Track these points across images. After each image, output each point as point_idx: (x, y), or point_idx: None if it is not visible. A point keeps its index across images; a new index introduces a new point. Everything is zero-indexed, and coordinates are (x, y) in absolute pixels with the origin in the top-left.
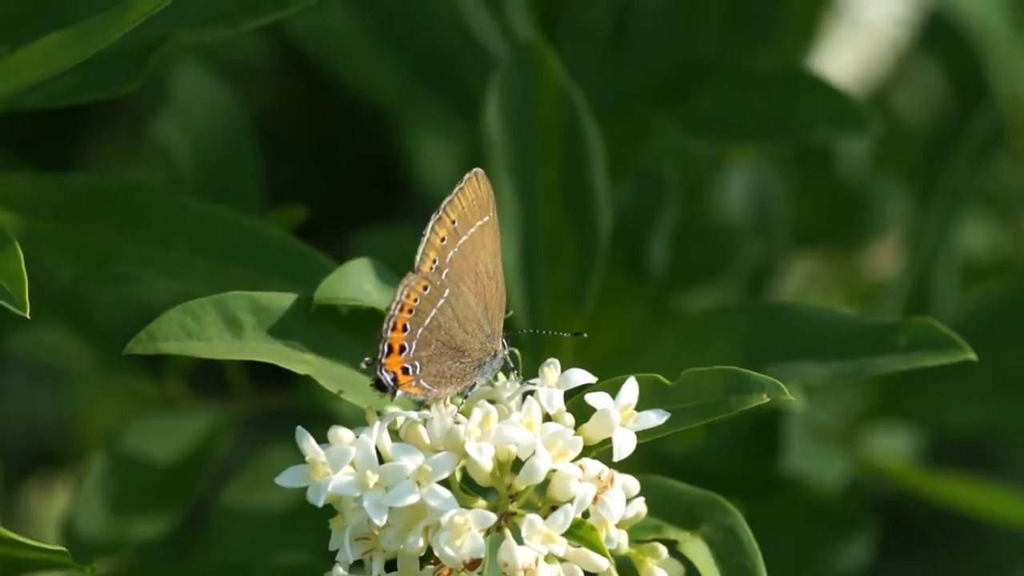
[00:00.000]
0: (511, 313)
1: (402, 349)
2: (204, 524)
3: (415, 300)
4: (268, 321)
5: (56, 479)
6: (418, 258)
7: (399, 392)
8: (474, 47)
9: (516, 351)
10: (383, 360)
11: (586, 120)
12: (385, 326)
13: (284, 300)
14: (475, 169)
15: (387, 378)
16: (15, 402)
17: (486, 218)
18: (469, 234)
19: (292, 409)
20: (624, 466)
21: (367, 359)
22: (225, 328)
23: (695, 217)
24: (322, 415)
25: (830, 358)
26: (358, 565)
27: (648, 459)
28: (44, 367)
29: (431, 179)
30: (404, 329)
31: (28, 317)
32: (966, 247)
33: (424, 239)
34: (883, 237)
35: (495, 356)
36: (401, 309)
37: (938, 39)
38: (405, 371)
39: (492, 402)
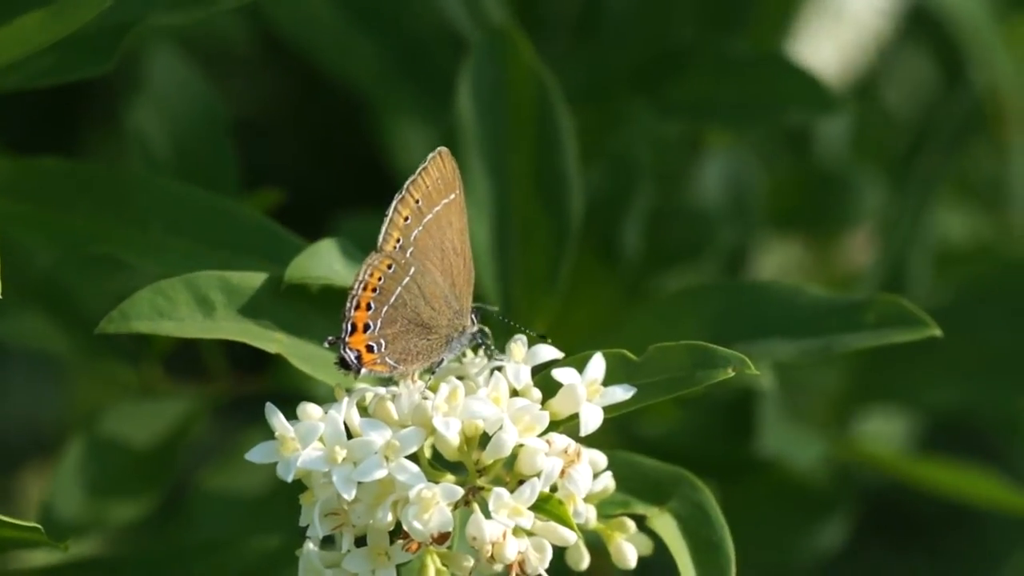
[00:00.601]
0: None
1: (366, 327)
2: (182, 506)
3: (379, 279)
4: (239, 300)
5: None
6: (380, 237)
7: (363, 370)
8: (451, 36)
9: (486, 328)
10: (347, 339)
11: (558, 104)
12: (348, 305)
13: (255, 279)
14: (439, 148)
15: (351, 356)
16: (16, 397)
17: (452, 196)
18: (434, 212)
19: (270, 392)
20: (599, 445)
21: (330, 338)
22: (196, 307)
23: (671, 201)
24: (298, 396)
25: (799, 335)
26: (330, 541)
27: (624, 439)
28: (43, 362)
29: (410, 165)
30: (368, 308)
31: (0, 298)
32: (947, 235)
33: (387, 219)
34: (861, 224)
35: (463, 332)
36: (364, 288)
37: (924, 30)
38: (370, 349)
39: (461, 378)
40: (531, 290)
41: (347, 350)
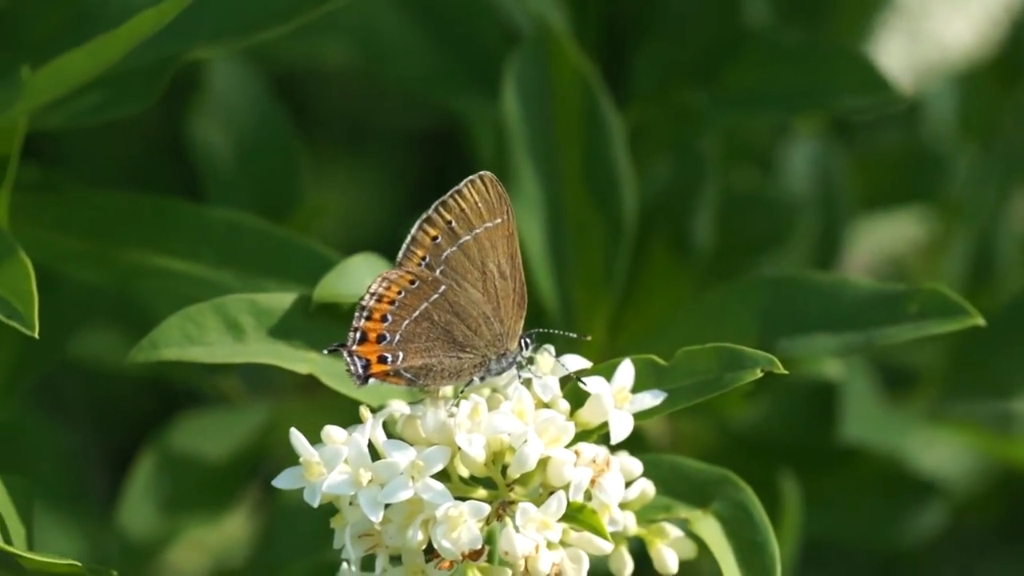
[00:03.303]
0: None
1: (381, 338)
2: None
3: (398, 292)
4: (268, 322)
5: None
6: (401, 254)
7: (371, 380)
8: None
9: (550, 347)
10: (354, 347)
11: (604, 102)
12: (357, 315)
13: (284, 300)
14: (481, 172)
15: (358, 365)
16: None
17: (497, 220)
18: (473, 235)
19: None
20: (693, 440)
21: (333, 345)
22: (226, 331)
23: (756, 190)
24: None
25: (841, 329)
26: (370, 562)
27: (718, 434)
28: None
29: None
30: (384, 319)
31: (36, 336)
32: None
33: (409, 236)
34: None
35: (504, 355)
36: (379, 300)
37: None
38: (382, 360)
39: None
40: (588, 290)
41: (354, 358)
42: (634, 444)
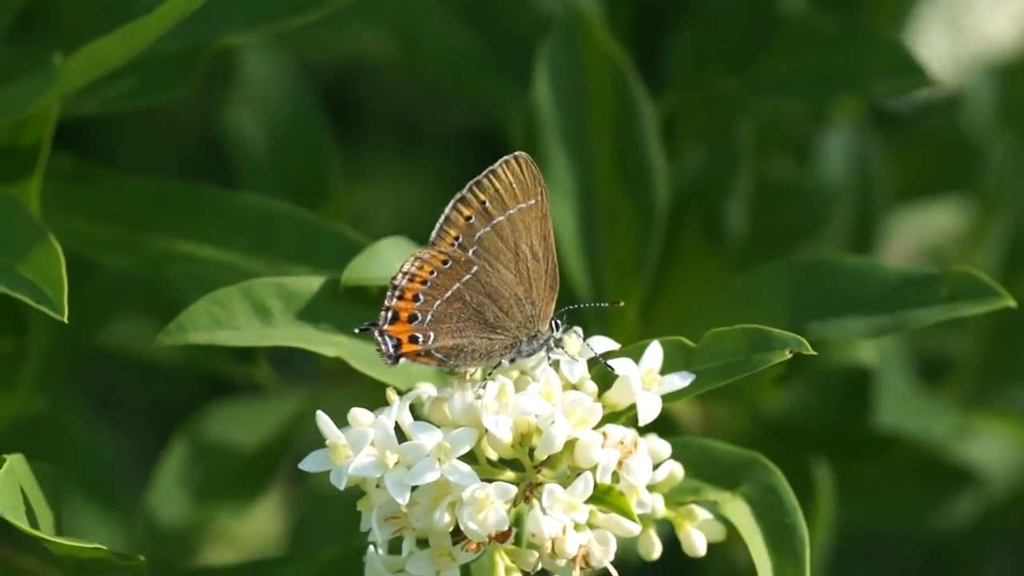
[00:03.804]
0: None
1: (412, 318)
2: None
3: (430, 272)
4: (297, 305)
5: None
6: (434, 233)
7: (402, 359)
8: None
9: (578, 329)
10: (385, 327)
11: (635, 87)
12: (389, 294)
13: (312, 284)
14: (517, 152)
15: (389, 344)
16: None
17: (532, 201)
18: (507, 215)
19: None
20: (725, 425)
21: (364, 324)
22: (254, 315)
23: (792, 178)
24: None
25: (872, 312)
26: (396, 545)
27: (747, 419)
28: None
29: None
30: (416, 299)
31: (65, 321)
32: None
33: (443, 216)
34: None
35: (536, 336)
36: (411, 280)
37: None
38: (414, 340)
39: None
40: (620, 276)
41: (385, 337)
42: (666, 429)
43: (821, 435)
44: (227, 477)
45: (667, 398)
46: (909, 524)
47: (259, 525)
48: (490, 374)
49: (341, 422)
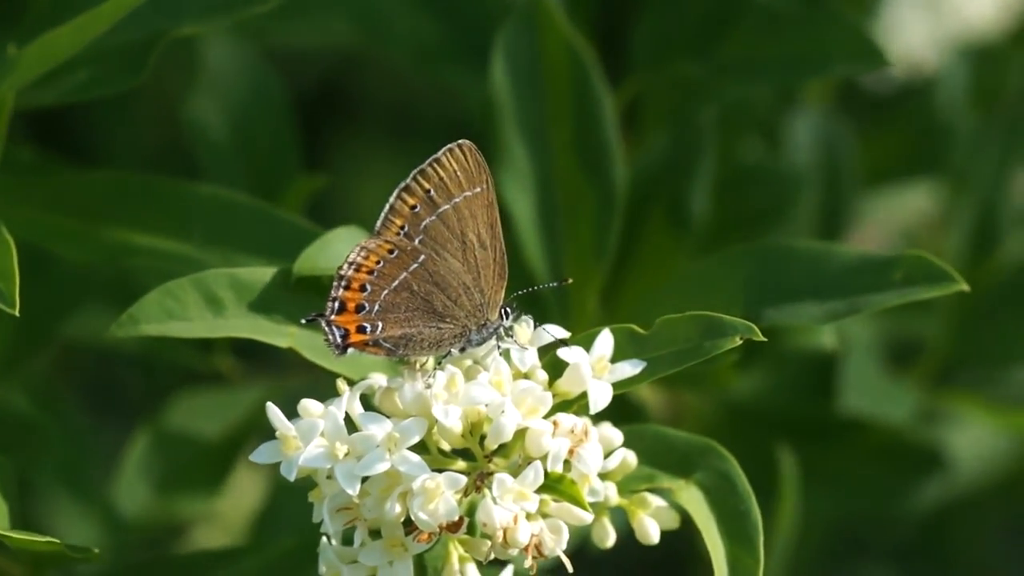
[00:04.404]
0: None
1: (359, 308)
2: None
3: (377, 262)
4: (249, 296)
5: None
6: (379, 223)
7: (350, 349)
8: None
9: (529, 317)
10: (332, 317)
11: (594, 74)
12: (336, 284)
13: (264, 274)
14: (460, 141)
15: (336, 334)
16: None
17: (477, 189)
18: (452, 204)
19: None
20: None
21: (310, 315)
22: (206, 307)
23: (752, 162)
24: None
25: (827, 297)
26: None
27: (716, 407)
28: None
29: None
30: (363, 289)
31: (16, 314)
32: None
33: (387, 205)
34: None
35: (485, 325)
36: (357, 269)
37: None
38: (361, 330)
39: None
40: (580, 262)
41: (332, 327)
42: (633, 416)
43: (788, 421)
44: (190, 467)
45: (618, 386)
46: (878, 508)
47: (246, 505)
48: (439, 363)
49: None
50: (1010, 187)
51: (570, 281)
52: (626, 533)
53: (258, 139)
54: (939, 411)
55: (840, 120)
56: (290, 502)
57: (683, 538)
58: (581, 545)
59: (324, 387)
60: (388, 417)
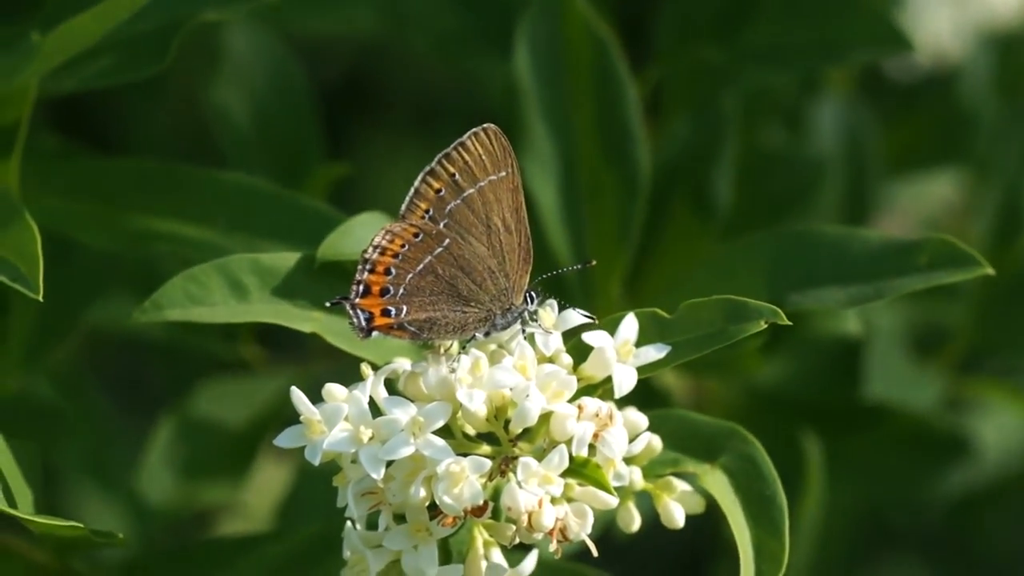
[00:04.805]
0: None
1: (384, 292)
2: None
3: (401, 245)
4: (272, 281)
5: None
6: (404, 206)
7: (374, 333)
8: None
9: (553, 301)
10: (357, 300)
11: (617, 59)
12: (360, 267)
13: (288, 260)
14: (486, 125)
15: (360, 318)
16: None
17: (502, 174)
18: (478, 188)
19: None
20: (719, 399)
21: (335, 298)
22: (229, 292)
23: (775, 148)
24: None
25: (850, 281)
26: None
27: (740, 393)
28: None
29: None
30: (388, 272)
31: (40, 299)
32: None
33: (412, 189)
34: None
35: (510, 309)
36: (382, 253)
37: None
38: (386, 313)
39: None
40: (604, 247)
41: (357, 310)
42: (657, 402)
43: (813, 408)
44: (214, 455)
45: (643, 370)
46: (903, 495)
47: (272, 495)
48: (464, 347)
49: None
50: None
51: (594, 263)
52: (652, 520)
53: (281, 127)
54: (965, 400)
55: (863, 107)
56: (314, 490)
57: (707, 527)
58: (607, 531)
59: (349, 374)
60: (412, 401)
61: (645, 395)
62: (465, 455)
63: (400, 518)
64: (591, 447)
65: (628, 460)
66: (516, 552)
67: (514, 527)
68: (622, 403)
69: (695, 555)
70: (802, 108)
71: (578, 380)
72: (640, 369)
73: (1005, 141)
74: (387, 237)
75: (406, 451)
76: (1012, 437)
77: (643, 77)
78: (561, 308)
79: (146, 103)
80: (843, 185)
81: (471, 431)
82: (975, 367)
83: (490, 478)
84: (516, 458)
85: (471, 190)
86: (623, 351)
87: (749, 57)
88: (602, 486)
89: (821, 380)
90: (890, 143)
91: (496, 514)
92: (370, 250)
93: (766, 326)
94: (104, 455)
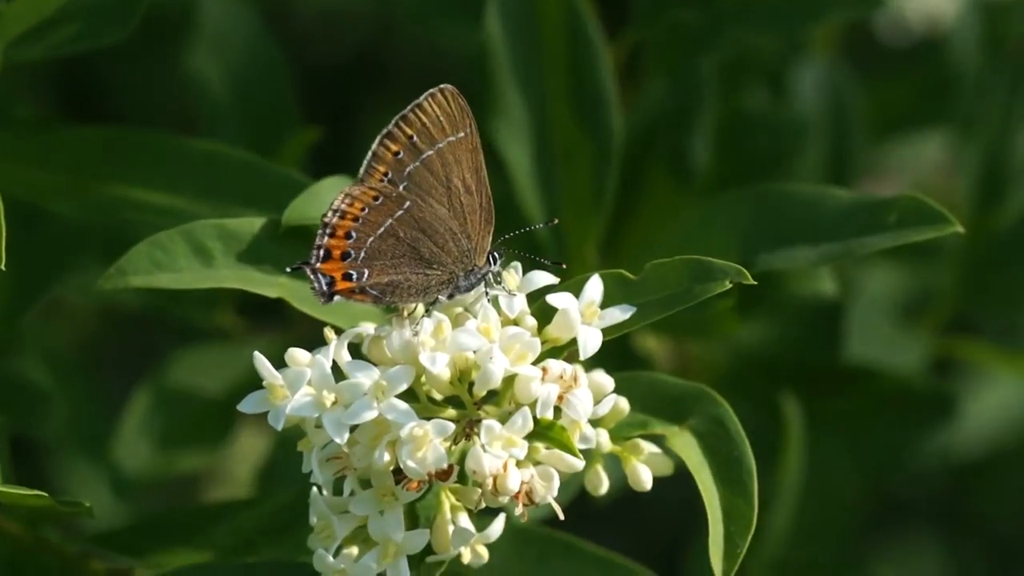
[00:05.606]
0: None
1: (345, 255)
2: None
3: (361, 209)
4: (237, 247)
5: None
6: (363, 170)
7: (336, 297)
8: None
9: (517, 264)
10: (317, 265)
11: (589, 22)
12: (321, 232)
13: (253, 225)
14: (441, 86)
15: (322, 282)
16: None
17: (460, 135)
18: (436, 149)
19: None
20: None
21: (295, 264)
22: (194, 257)
23: (756, 111)
24: None
25: (820, 240)
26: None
27: (724, 356)
28: None
29: None
30: (348, 236)
31: (2, 268)
32: None
33: (370, 152)
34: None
35: (472, 271)
36: (342, 217)
37: None
38: (347, 277)
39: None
40: (578, 212)
41: (318, 275)
42: (638, 365)
43: (797, 370)
44: (192, 423)
45: (609, 331)
46: (889, 456)
47: (254, 463)
48: (427, 310)
49: None
50: (1017, 133)
51: (556, 221)
52: (629, 491)
53: (257, 95)
54: (955, 363)
55: (846, 69)
56: (293, 457)
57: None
58: (583, 502)
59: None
60: (376, 365)
61: (625, 359)
62: (430, 419)
63: (366, 483)
64: (557, 410)
65: (595, 423)
66: (485, 517)
67: (480, 491)
68: (592, 366)
69: (674, 525)
70: (786, 71)
71: (543, 342)
72: (605, 330)
73: (988, 100)
74: (346, 201)
75: (369, 415)
76: (1007, 400)
77: (620, 40)
78: (529, 268)
79: (136, 76)
80: (826, 147)
81: (436, 395)
82: (960, 328)
83: (455, 442)
84: (480, 421)
85: (430, 152)
86: (588, 312)
87: (727, 18)
88: (567, 448)
89: (803, 342)
90: (879, 106)
91: (463, 478)
92: (329, 214)
93: (731, 285)
94: (82, 426)
